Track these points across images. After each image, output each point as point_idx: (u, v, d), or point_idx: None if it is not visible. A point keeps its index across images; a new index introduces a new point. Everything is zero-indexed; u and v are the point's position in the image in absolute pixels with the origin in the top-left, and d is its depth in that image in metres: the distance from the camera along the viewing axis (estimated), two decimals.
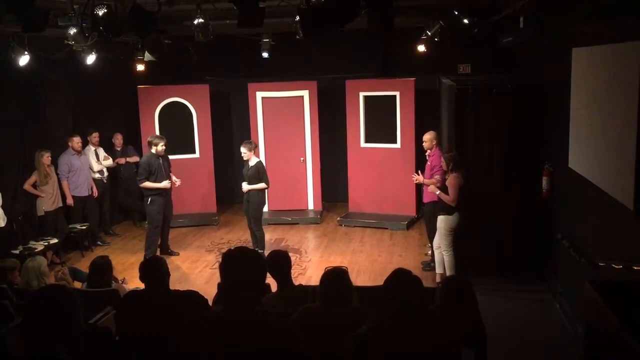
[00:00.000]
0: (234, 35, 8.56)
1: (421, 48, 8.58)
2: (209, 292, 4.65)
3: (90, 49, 7.21)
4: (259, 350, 2.46)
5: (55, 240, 8.59)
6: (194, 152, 10.86)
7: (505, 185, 7.38)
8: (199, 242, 9.75)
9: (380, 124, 10.38)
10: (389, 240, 9.51)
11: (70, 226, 9.10)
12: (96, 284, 5.69)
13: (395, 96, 10.18)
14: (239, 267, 2.55)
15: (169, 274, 4.31)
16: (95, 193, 9.56)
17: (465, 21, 5.95)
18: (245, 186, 8.42)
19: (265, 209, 9.19)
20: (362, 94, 10.40)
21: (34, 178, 8.60)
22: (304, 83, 10.68)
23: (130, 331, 4.07)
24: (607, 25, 4.94)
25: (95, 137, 9.78)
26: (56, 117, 9.50)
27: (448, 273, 7.07)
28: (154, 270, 4.22)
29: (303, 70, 10.82)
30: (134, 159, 10.48)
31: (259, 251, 8.05)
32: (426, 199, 7.91)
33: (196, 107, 10.78)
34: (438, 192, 7.08)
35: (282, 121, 10.80)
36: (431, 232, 7.81)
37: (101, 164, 9.84)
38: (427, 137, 7.97)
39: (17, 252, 7.91)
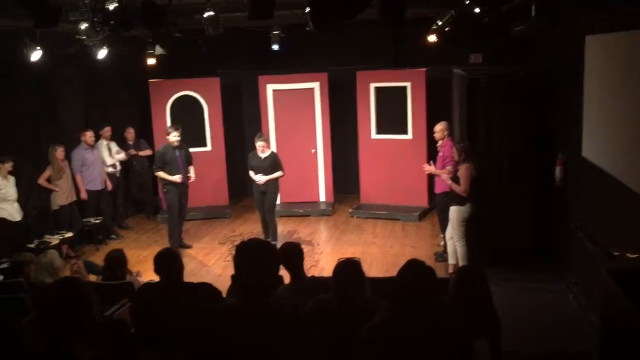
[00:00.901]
0: (244, 27, 8.57)
1: (432, 38, 8.51)
2: (222, 284, 4.67)
3: (101, 43, 7.25)
4: (273, 340, 2.48)
5: (69, 234, 8.67)
6: (205, 145, 10.89)
7: (518, 175, 7.34)
8: (211, 234, 9.80)
9: (391, 115, 10.34)
10: (401, 231, 9.50)
11: (84, 220, 9.19)
12: (111, 277, 5.75)
13: (406, 87, 10.14)
14: (253, 258, 2.57)
15: (182, 267, 4.35)
16: (109, 187, 9.63)
17: (476, 10, 5.92)
18: (263, 177, 8.44)
19: (277, 200, 9.21)
20: (372, 85, 10.37)
21: (48, 173, 8.68)
22: (315, 75, 10.66)
23: (145, 323, 4.11)
24: (622, 12, 4.89)
25: (107, 131, 9.84)
26: (69, 112, 9.58)
27: (461, 264, 7.05)
28: (168, 262, 4.25)
29: (313, 62, 10.79)
30: (147, 152, 10.53)
31: (272, 242, 8.12)
32: (438, 189, 7.90)
33: (207, 100, 10.80)
34: (450, 182, 7.06)
35: (293, 113, 10.80)
36: (443, 223, 7.79)
37: (114, 158, 9.91)
38: (439, 127, 7.94)
39: (32, 246, 8.00)
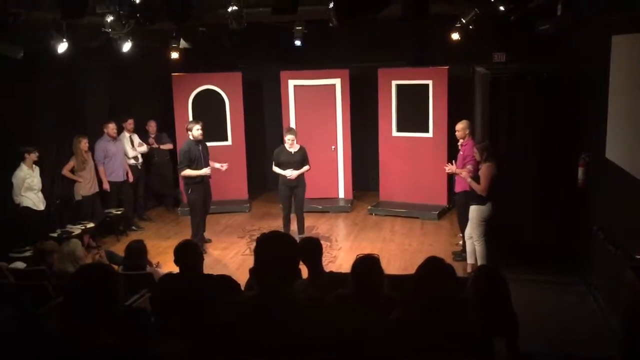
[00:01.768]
0: (267, 23, 8.59)
1: (455, 36, 8.46)
2: (241, 277, 4.69)
3: (126, 36, 7.32)
4: (291, 332, 2.50)
5: (91, 225, 8.79)
6: (226, 139, 10.95)
7: (540, 175, 7.27)
8: (230, 228, 9.86)
9: (413, 113, 10.30)
10: (419, 229, 9.47)
11: (106, 211, 9.31)
12: (131, 267, 5.82)
13: (428, 85, 10.09)
14: (273, 249, 2.59)
15: (202, 258, 4.39)
16: (131, 178, 9.75)
17: (501, 8, 5.87)
18: (294, 172, 8.42)
19: None
20: (394, 83, 10.34)
21: (72, 163, 8.81)
22: (336, 71, 10.65)
23: (165, 314, 4.16)
24: None
25: (130, 123, 9.95)
26: (93, 104, 9.71)
27: (480, 263, 7.01)
28: (189, 254, 4.30)
29: (335, 58, 10.79)
30: (168, 146, 10.63)
31: (299, 236, 8.15)
32: (458, 188, 7.86)
33: (229, 94, 10.86)
34: (469, 180, 7.02)
35: (314, 109, 10.81)
36: (463, 222, 7.75)
37: (136, 150, 10.01)
38: (460, 126, 7.89)
39: (55, 235, 8.13)
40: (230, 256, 8.53)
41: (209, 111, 10.86)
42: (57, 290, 5.14)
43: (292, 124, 10.77)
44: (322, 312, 2.81)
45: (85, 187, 8.91)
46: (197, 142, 8.38)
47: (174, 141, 10.78)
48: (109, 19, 6.24)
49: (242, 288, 4.47)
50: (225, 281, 4.28)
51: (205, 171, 8.36)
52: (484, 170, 6.91)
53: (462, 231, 7.80)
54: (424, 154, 10.19)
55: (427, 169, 10.09)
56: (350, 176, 10.93)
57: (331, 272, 4.61)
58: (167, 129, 10.84)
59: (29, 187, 7.98)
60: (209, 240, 9.09)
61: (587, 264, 6.85)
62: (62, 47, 7.23)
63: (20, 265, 6.62)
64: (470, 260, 7.30)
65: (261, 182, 11.98)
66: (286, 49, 9.91)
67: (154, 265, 6.53)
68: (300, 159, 8.49)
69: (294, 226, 8.83)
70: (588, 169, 6.78)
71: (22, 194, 7.93)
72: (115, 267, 6.43)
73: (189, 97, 10.83)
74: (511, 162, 7.31)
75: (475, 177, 7.04)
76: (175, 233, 9.60)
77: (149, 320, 3.52)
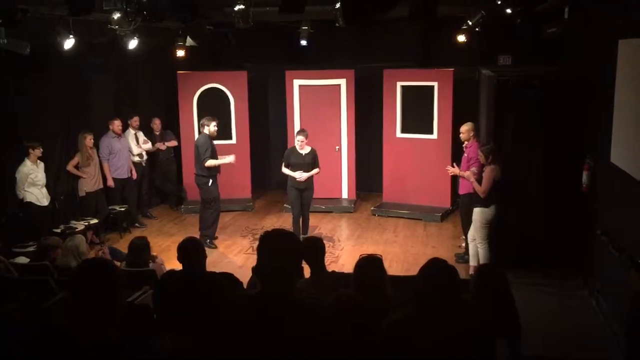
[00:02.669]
0: (274, 22, 8.60)
1: (461, 38, 8.45)
2: (243, 276, 4.71)
3: (133, 33, 7.34)
4: (293, 330, 2.50)
5: (95, 221, 8.81)
6: (230, 138, 10.96)
7: (544, 178, 7.26)
8: (233, 227, 9.87)
9: (417, 115, 10.29)
10: (422, 231, 9.47)
11: (109, 207, 9.33)
12: (134, 264, 5.83)
13: (433, 87, 10.08)
14: (276, 247, 2.59)
15: (205, 256, 4.40)
16: (135, 175, 9.76)
17: (508, 10, 5.86)
18: (304, 174, 8.33)
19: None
20: (399, 84, 10.33)
21: (76, 159, 8.84)
22: (342, 72, 10.65)
23: (168, 310, 4.17)
24: None
25: (135, 121, 9.97)
26: (98, 100, 9.72)
27: None
28: (192, 251, 4.31)
29: (341, 58, 10.79)
30: (173, 143, 10.65)
31: (302, 236, 8.14)
32: (462, 190, 7.85)
33: (234, 93, 10.87)
34: (473, 181, 7.02)
35: (318, 109, 10.81)
36: (466, 224, 7.74)
37: (141, 147, 10.03)
38: (465, 128, 7.88)
39: (58, 230, 8.15)
40: (233, 254, 8.54)
41: (214, 110, 10.85)
42: (59, 285, 5.16)
43: (297, 124, 10.78)
44: (324, 312, 2.82)
45: (89, 183, 8.93)
46: (211, 137, 8.61)
47: (178, 139, 10.80)
48: (116, 16, 6.26)
49: (245, 286, 4.48)
50: (228, 279, 4.29)
51: (230, 159, 8.69)
52: (487, 172, 6.91)
53: (465, 233, 7.79)
54: (428, 156, 10.18)
55: (431, 171, 10.08)
56: (354, 177, 10.92)
57: (333, 272, 4.61)
58: (172, 126, 10.86)
59: (33, 182, 8.00)
60: (215, 238, 9.08)
61: (591, 268, 6.83)
62: (69, 43, 7.26)
63: (23, 260, 6.65)
64: (472, 262, 7.29)
65: (265, 182, 11.99)
66: (292, 48, 9.92)
67: (157, 259, 6.48)
68: (311, 161, 8.41)
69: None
70: (592, 173, 6.77)
71: (25, 189, 7.95)
72: (118, 263, 6.46)
73: (194, 95, 10.84)
74: (515, 165, 7.30)
75: (479, 180, 7.03)
76: (178, 230, 9.62)
77: (151, 316, 3.53)
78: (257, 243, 2.69)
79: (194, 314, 3.59)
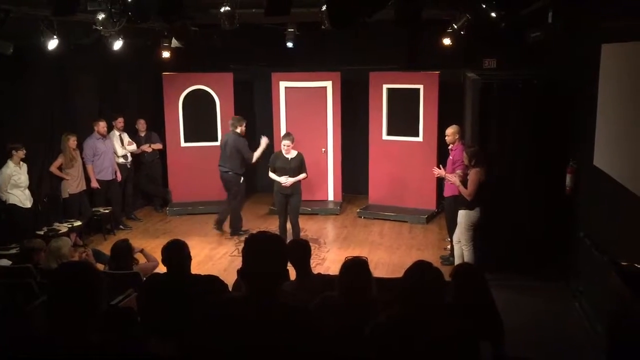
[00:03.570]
0: (260, 24, 8.59)
1: (447, 41, 8.50)
2: (229, 278, 4.68)
3: (117, 34, 7.28)
4: (278, 333, 2.49)
5: (78, 223, 8.73)
6: (216, 140, 10.91)
7: (528, 181, 7.32)
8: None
9: (403, 117, 10.33)
10: (408, 233, 9.49)
11: (93, 209, 9.25)
12: (117, 267, 5.78)
13: (419, 89, 10.12)
14: (262, 250, 2.58)
15: (190, 258, 4.37)
16: (119, 177, 9.69)
17: (493, 14, 5.90)
18: (289, 179, 8.16)
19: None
20: (385, 87, 10.36)
21: (59, 161, 8.75)
22: (328, 74, 10.66)
23: (152, 313, 4.14)
24: (638, 21, 4.86)
25: (120, 122, 9.91)
26: (82, 101, 9.65)
27: None
28: (176, 253, 4.28)
29: (327, 61, 10.80)
30: (158, 145, 10.60)
31: None
32: (447, 193, 7.89)
33: (220, 95, 10.84)
34: (458, 184, 7.06)
35: (304, 111, 10.81)
36: (451, 227, 7.78)
37: (125, 149, 9.96)
38: (450, 131, 7.93)
39: (41, 233, 8.06)
40: (218, 257, 8.51)
41: (200, 111, 10.85)
42: (41, 288, 5.10)
43: (283, 126, 10.77)
44: (309, 314, 2.81)
45: (73, 185, 8.85)
46: (240, 135, 9.09)
47: (163, 141, 10.74)
48: (100, 16, 6.21)
49: (230, 289, 4.46)
50: (213, 281, 4.27)
51: (264, 141, 9.20)
52: (472, 175, 6.95)
53: (451, 236, 7.82)
54: (413, 158, 10.22)
55: (417, 173, 10.12)
56: (340, 179, 10.94)
57: (319, 274, 4.62)
58: (157, 128, 10.79)
59: (16, 184, 7.91)
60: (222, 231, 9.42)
61: (574, 270, 6.89)
62: (53, 43, 7.18)
63: (5, 262, 6.56)
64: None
65: (251, 184, 11.93)
66: (278, 50, 9.91)
67: (139, 251, 6.37)
68: (297, 165, 8.22)
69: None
70: (576, 176, 6.83)
71: (8, 191, 7.85)
72: (102, 266, 6.41)
73: (179, 96, 10.79)
74: (500, 168, 7.35)
75: (464, 183, 7.07)
76: (163, 233, 9.56)
77: (135, 319, 3.50)
78: (242, 245, 2.68)
79: (179, 317, 3.57)
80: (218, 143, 10.91)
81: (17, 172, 7.92)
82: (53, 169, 8.74)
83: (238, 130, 9.05)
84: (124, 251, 5.88)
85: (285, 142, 8.24)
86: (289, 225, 8.56)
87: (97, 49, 8.30)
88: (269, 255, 2.56)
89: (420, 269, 2.90)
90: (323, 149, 10.84)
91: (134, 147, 10.13)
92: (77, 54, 8.59)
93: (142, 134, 10.46)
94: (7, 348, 2.38)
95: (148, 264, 6.21)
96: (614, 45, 5.56)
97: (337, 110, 10.70)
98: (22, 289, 5.10)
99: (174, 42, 8.58)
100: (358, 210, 10.47)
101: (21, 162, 8.00)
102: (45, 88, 8.71)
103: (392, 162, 10.40)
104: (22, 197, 8.00)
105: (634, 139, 5.03)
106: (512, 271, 7.14)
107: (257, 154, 9.07)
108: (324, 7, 5.68)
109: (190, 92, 10.83)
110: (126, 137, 10.05)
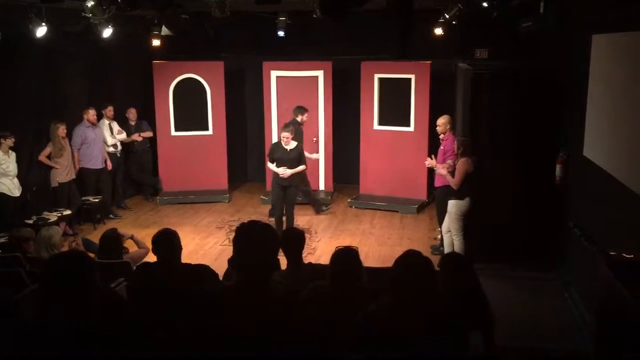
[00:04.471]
0: (251, 12, 8.54)
1: (438, 31, 8.50)
2: (219, 268, 4.67)
3: (107, 22, 7.22)
4: (269, 321, 2.50)
5: (68, 212, 8.68)
6: (207, 129, 10.88)
7: (518, 171, 7.35)
8: (209, 218, 9.81)
9: (395, 107, 10.32)
10: (399, 223, 9.52)
11: (83, 198, 9.20)
12: (107, 256, 5.75)
13: (410, 79, 10.11)
14: (252, 239, 2.58)
15: (181, 248, 4.37)
16: (109, 166, 9.64)
17: (485, 4, 5.90)
18: (288, 170, 8.06)
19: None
20: (377, 76, 10.34)
21: (48, 150, 8.69)
22: (319, 63, 10.62)
23: (143, 302, 4.13)
24: (629, 11, 4.88)
25: (110, 110, 9.84)
26: (72, 89, 9.56)
27: None
28: (167, 243, 4.27)
29: (318, 50, 10.76)
30: (148, 134, 10.53)
31: None
32: (438, 183, 7.91)
33: (210, 83, 10.78)
34: (446, 174, 7.08)
35: (295, 101, 10.74)
36: (441, 216, 7.81)
37: (115, 137, 9.90)
38: (441, 121, 7.94)
39: (30, 222, 8.02)
40: (209, 246, 8.50)
41: (190, 100, 10.78)
42: (31, 277, 5.07)
43: (274, 115, 10.74)
44: (299, 303, 2.82)
45: (62, 173, 8.79)
46: (300, 124, 9.37)
47: (153, 129, 10.68)
48: (90, 3, 6.15)
49: (221, 278, 4.45)
50: (204, 270, 4.27)
51: (313, 156, 9.58)
52: (459, 165, 6.97)
53: (441, 225, 7.85)
54: (405, 148, 10.23)
55: (408, 163, 10.13)
56: (331, 168, 10.93)
57: (310, 264, 4.62)
58: (148, 116, 10.72)
59: (5, 173, 7.85)
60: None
61: (564, 260, 6.95)
62: (41, 31, 7.11)
63: None
64: None
65: (242, 173, 11.94)
66: (269, 39, 9.86)
67: (128, 237, 6.33)
68: (296, 157, 8.12)
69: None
70: (566, 166, 6.87)
71: None
72: (92, 255, 6.38)
73: (170, 85, 10.72)
74: (490, 157, 7.37)
75: (454, 172, 7.09)
76: (153, 222, 9.53)
77: (126, 306, 3.49)
78: (233, 235, 2.67)
79: (169, 306, 3.57)
80: (209, 132, 10.91)
81: (6, 161, 7.86)
82: (42, 157, 8.67)
83: (298, 119, 9.34)
84: (113, 240, 5.85)
85: (285, 134, 8.10)
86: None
87: (87, 37, 8.22)
88: (259, 246, 2.56)
89: (410, 258, 2.91)
90: (314, 139, 10.82)
91: (123, 135, 10.07)
92: (66, 41, 8.51)
93: (133, 123, 10.40)
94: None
95: (138, 251, 6.18)
96: (604, 36, 5.57)
97: (328, 99, 10.68)
98: (11, 277, 5.07)
99: (164, 30, 8.51)
100: (349, 200, 10.48)
101: (10, 151, 7.94)
102: (34, 76, 8.62)
103: (384, 152, 10.40)
104: (10, 186, 7.94)
105: (623, 130, 5.06)
106: (502, 261, 7.18)
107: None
108: None
109: (181, 80, 10.75)
110: (116, 126, 9.98)
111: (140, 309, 4.03)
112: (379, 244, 8.53)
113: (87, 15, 6.44)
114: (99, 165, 9.40)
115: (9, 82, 8.14)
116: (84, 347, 2.27)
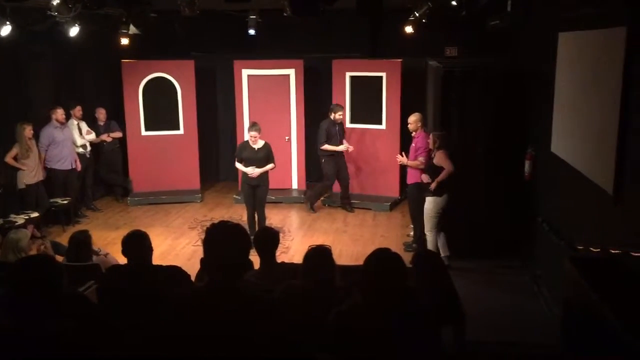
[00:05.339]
0: (221, 10, 8.47)
1: (409, 29, 8.55)
2: (192, 268, 4.63)
3: (73, 20, 7.09)
4: (241, 323, 2.48)
5: (36, 214, 8.51)
6: (178, 128, 10.77)
7: (488, 168, 7.44)
8: (182, 218, 9.72)
9: (366, 105, 10.36)
10: (372, 220, 9.56)
11: (51, 200, 9.02)
12: (76, 259, 5.65)
13: (381, 77, 10.15)
14: (223, 240, 2.56)
15: (151, 249, 4.31)
16: (79, 167, 9.47)
17: (453, 3, 5.96)
18: (257, 170, 7.97)
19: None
20: (348, 74, 10.36)
21: (15, 151, 8.50)
22: (291, 62, 10.60)
23: (113, 305, 4.07)
24: (593, 9, 4.97)
25: (78, 110, 9.67)
26: (38, 89, 9.37)
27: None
28: (137, 244, 4.21)
29: (290, 48, 10.74)
30: (117, 134, 10.38)
31: None
32: (410, 180, 7.96)
33: (181, 83, 10.67)
34: (417, 165, 7.11)
35: (267, 99, 10.74)
36: (414, 214, 7.87)
37: (84, 138, 9.74)
38: (412, 119, 7.99)
39: None
40: (181, 247, 8.42)
41: (161, 99, 10.66)
42: None
43: (246, 114, 10.68)
44: (272, 303, 2.81)
45: (29, 175, 8.61)
46: (335, 123, 9.61)
47: (123, 129, 10.53)
48: (55, 2, 6.04)
49: (193, 279, 4.42)
50: (175, 272, 4.22)
51: (341, 148, 9.69)
52: (441, 156, 6.99)
53: (414, 223, 7.90)
54: (377, 146, 10.28)
55: (380, 161, 10.18)
56: (304, 167, 10.92)
57: (283, 263, 4.60)
58: (117, 116, 10.57)
59: None
60: (352, 210, 9.95)
61: (533, 254, 7.05)
62: (5, 30, 6.96)
63: None
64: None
65: (213, 172, 11.86)
66: (240, 38, 9.79)
67: (102, 254, 6.29)
68: (264, 156, 8.03)
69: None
70: (534, 162, 6.97)
71: None
72: (61, 258, 6.26)
73: (139, 84, 10.58)
74: (461, 154, 7.45)
75: (427, 169, 7.15)
76: (124, 223, 9.41)
77: (95, 308, 3.44)
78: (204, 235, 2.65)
79: (140, 309, 3.52)
80: (180, 132, 10.80)
81: None
82: (8, 159, 8.48)
83: (331, 116, 9.58)
84: (82, 242, 5.75)
85: (252, 133, 8.01)
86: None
87: (53, 36, 8.06)
88: (229, 246, 2.55)
89: (378, 255, 2.93)
90: (287, 137, 10.80)
91: (92, 136, 9.91)
92: (32, 40, 8.34)
93: (102, 123, 10.24)
94: None
95: (110, 256, 6.10)
96: (571, 34, 5.67)
97: (300, 98, 10.66)
98: None
99: (132, 29, 8.38)
100: (322, 199, 10.49)
101: None
102: None
103: (356, 150, 10.41)
104: None
105: (587, 126, 5.16)
106: (473, 257, 7.27)
107: (327, 146, 9.59)
108: None
109: (151, 80, 10.62)
110: (84, 126, 9.82)
111: (110, 312, 3.97)
112: (352, 241, 8.55)
113: (53, 13, 6.32)
114: (67, 166, 9.22)
115: None
116: (51, 351, 2.23)
